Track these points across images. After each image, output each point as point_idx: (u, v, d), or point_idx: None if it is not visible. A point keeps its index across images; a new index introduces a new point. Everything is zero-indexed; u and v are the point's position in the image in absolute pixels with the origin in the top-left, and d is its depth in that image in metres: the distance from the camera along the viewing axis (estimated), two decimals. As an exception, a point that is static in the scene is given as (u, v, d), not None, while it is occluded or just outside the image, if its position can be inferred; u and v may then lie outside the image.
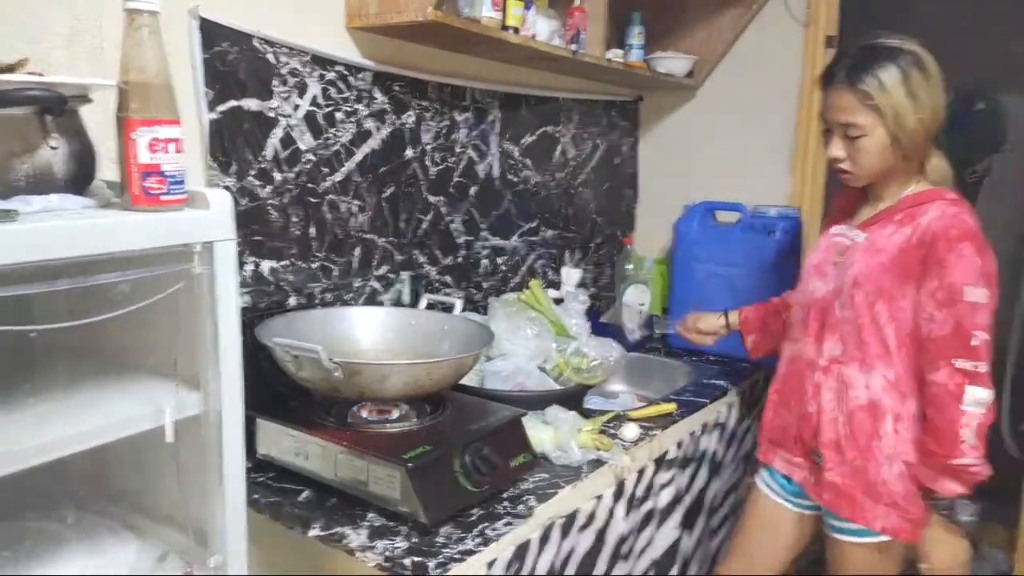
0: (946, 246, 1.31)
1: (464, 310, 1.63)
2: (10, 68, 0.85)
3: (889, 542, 1.39)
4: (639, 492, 1.53)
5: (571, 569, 1.34)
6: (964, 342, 1.29)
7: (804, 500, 1.53)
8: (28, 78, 0.81)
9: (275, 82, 1.44)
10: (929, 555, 1.37)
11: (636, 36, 2.24)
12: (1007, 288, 2.88)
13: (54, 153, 0.83)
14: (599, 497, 1.40)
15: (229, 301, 0.90)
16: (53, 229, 0.75)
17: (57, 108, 0.81)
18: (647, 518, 1.58)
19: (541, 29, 1.80)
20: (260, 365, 1.31)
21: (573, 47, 1.88)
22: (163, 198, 0.85)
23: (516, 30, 1.68)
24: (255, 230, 1.44)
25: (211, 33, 1.32)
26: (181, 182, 0.86)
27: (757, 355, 1.77)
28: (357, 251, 1.66)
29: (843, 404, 1.41)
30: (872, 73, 1.30)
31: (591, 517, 1.38)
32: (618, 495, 1.45)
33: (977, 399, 1.29)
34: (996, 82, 3.04)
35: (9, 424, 0.80)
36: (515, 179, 2.12)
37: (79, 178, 0.86)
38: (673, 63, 2.34)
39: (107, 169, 0.93)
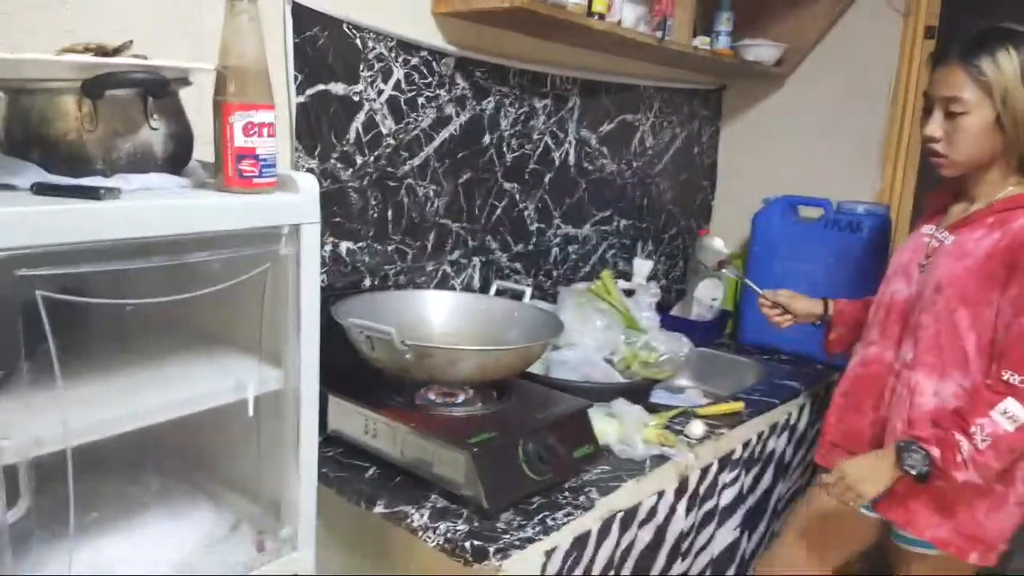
0: None
1: (533, 298, 1.63)
2: (116, 51, 0.88)
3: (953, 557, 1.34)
4: (702, 490, 1.51)
5: (629, 563, 1.34)
6: (1020, 354, 1.24)
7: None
8: (134, 61, 0.84)
9: (361, 67, 1.47)
10: (854, 459, 1.36)
11: (724, 22, 2.18)
12: None
13: (155, 134, 0.86)
14: (661, 493, 1.39)
15: (312, 283, 0.93)
16: (152, 207, 0.79)
17: (160, 91, 0.84)
18: (708, 517, 1.56)
19: (627, 15, 1.77)
20: (333, 343, 1.34)
21: (659, 34, 1.84)
22: (255, 180, 0.87)
23: (602, 16, 1.66)
24: (335, 211, 1.48)
25: (302, 18, 1.35)
26: (273, 165, 0.89)
27: (835, 351, 1.69)
28: (432, 235, 1.68)
29: (905, 409, 1.36)
30: (989, 50, 1.25)
31: (652, 512, 1.37)
32: (680, 492, 1.44)
33: (1012, 412, 1.22)
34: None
35: (102, 393, 0.84)
36: (590, 167, 2.10)
37: (177, 158, 0.90)
38: (762, 51, 2.27)
39: (200, 150, 0.97)
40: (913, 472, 1.26)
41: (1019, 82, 1.24)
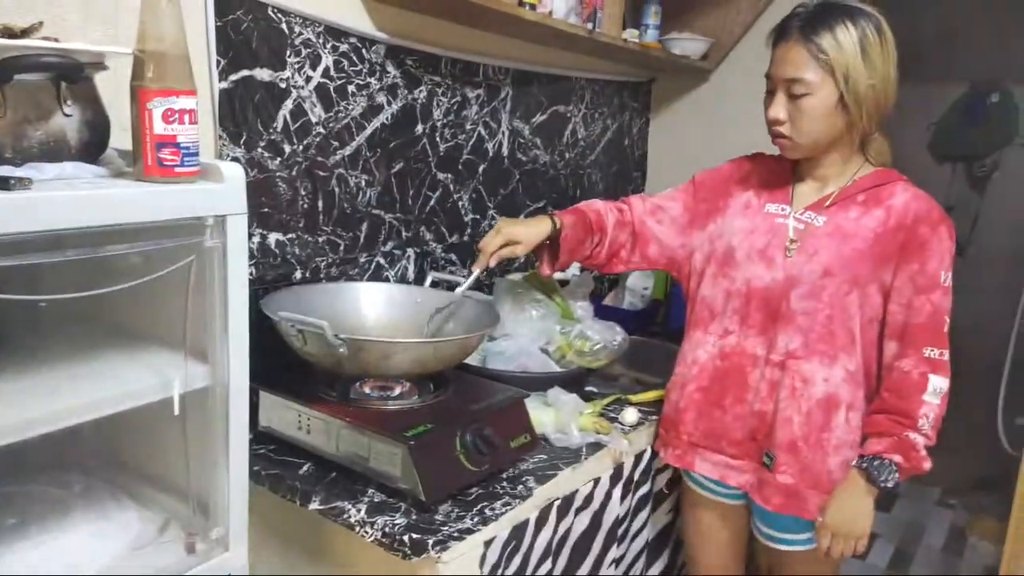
0: (929, 229, 1.27)
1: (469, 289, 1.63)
2: (25, 32, 0.84)
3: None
4: (636, 476, 1.54)
5: (566, 550, 1.35)
6: (937, 330, 1.27)
7: (736, 495, 1.48)
8: (44, 44, 0.80)
9: (288, 52, 1.43)
10: (827, 506, 1.31)
11: (653, 16, 2.22)
12: (1010, 283, 2.91)
13: (68, 121, 0.83)
14: (597, 480, 1.41)
15: (240, 276, 0.91)
16: (66, 198, 0.75)
17: (73, 75, 0.80)
18: (642, 501, 1.59)
19: (558, 6, 1.78)
20: (263, 337, 1.31)
21: (589, 26, 1.86)
22: (177, 170, 0.84)
23: (533, 6, 1.66)
24: (263, 202, 1.43)
25: (225, 1, 1.31)
26: (195, 154, 0.86)
27: (547, 273, 1.54)
28: (364, 226, 1.65)
29: (801, 402, 1.34)
30: (829, 27, 1.23)
31: (588, 499, 1.39)
32: (615, 478, 1.46)
33: (937, 388, 1.27)
34: (1010, 75, 3.02)
35: (19, 393, 0.80)
36: (524, 158, 2.10)
37: (92, 147, 0.86)
38: (689, 44, 2.31)
39: (119, 138, 0.92)
40: (890, 485, 1.27)
41: (859, 59, 1.23)
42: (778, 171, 1.43)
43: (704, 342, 1.45)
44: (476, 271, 1.43)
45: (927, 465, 1.27)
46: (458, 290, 1.44)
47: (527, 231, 1.44)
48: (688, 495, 1.58)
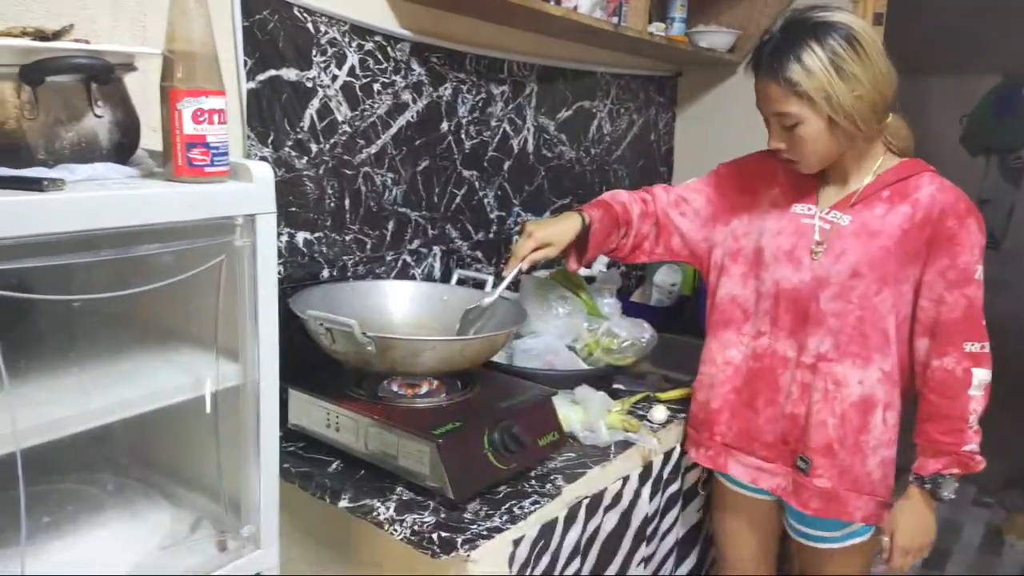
0: (957, 222, 1.25)
1: (494, 286, 1.62)
2: (56, 35, 0.84)
3: (863, 543, 1.38)
4: (665, 474, 1.52)
5: (595, 549, 1.34)
6: (975, 323, 1.26)
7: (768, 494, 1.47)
8: (75, 45, 0.80)
9: (314, 51, 1.43)
10: (895, 526, 1.31)
11: (679, 9, 2.19)
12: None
13: (99, 122, 0.83)
14: (626, 478, 1.39)
15: (269, 274, 0.91)
16: (99, 199, 0.75)
17: (104, 76, 0.81)
18: (672, 500, 1.58)
19: (583, 1, 1.76)
20: (292, 336, 1.32)
21: (615, 20, 1.84)
22: (207, 169, 0.85)
23: (558, 1, 1.65)
24: (291, 201, 1.44)
25: (251, 0, 1.31)
26: (225, 154, 0.86)
27: (574, 268, 1.52)
28: (390, 224, 1.66)
29: (835, 405, 1.32)
30: (794, 57, 1.20)
31: (617, 498, 1.38)
32: (644, 477, 1.45)
33: (982, 382, 1.26)
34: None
35: (53, 392, 0.81)
36: (549, 154, 2.09)
37: (123, 147, 0.87)
38: (715, 37, 2.29)
39: (148, 138, 0.93)
40: (953, 497, 1.28)
41: (835, 78, 1.19)
42: (797, 173, 1.40)
43: (737, 342, 1.44)
44: (508, 276, 1.41)
45: (983, 466, 1.27)
46: (487, 300, 1.42)
47: (559, 231, 1.42)
48: (719, 495, 1.57)
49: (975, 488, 3.12)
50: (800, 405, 1.35)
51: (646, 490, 1.46)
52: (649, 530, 1.50)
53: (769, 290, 1.38)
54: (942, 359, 1.27)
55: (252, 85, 1.34)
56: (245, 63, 1.32)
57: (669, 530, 1.59)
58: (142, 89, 0.91)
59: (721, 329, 1.47)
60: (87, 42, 0.83)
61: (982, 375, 1.26)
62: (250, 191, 0.87)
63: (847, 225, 1.31)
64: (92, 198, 0.74)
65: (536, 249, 1.40)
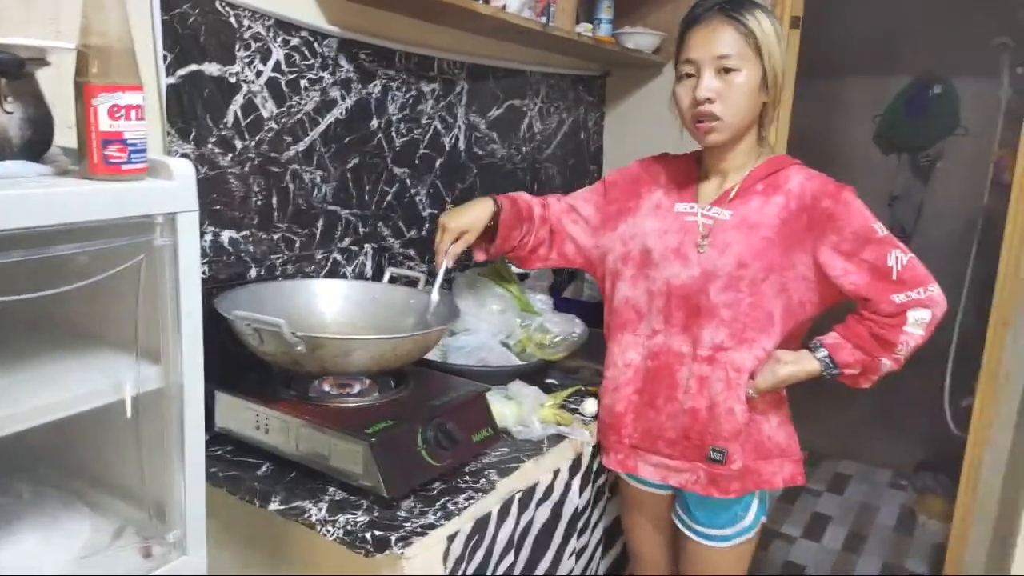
0: (831, 201, 1.31)
1: (427, 284, 1.62)
2: (-40, 26, 0.81)
3: (748, 540, 1.45)
4: (595, 466, 1.55)
5: (528, 542, 1.36)
6: (890, 277, 1.28)
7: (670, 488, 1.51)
8: (-19, 38, 0.77)
9: (238, 46, 1.40)
10: (760, 378, 1.35)
11: (605, 10, 2.23)
12: (955, 270, 3.01)
13: (9, 118, 0.80)
14: (557, 471, 1.42)
15: (191, 274, 0.89)
16: (9, 198, 0.72)
17: (13, 71, 0.78)
18: (600, 492, 1.61)
19: (512, 1, 1.77)
20: (218, 337, 1.29)
21: (543, 19, 1.86)
22: (124, 167, 0.82)
23: (487, 0, 1.66)
24: (215, 199, 1.41)
25: (171, -7, 1.28)
26: (143, 151, 0.84)
27: (481, 259, 1.57)
28: (320, 222, 1.64)
29: (739, 391, 1.36)
30: (749, 10, 1.29)
31: (549, 491, 1.40)
32: (575, 469, 1.48)
33: (920, 320, 1.28)
34: (952, 66, 3.11)
35: (-38, 398, 0.78)
36: (481, 152, 2.10)
37: (36, 144, 0.83)
38: (641, 39, 2.33)
39: (65, 136, 0.90)
40: (827, 378, 1.35)
41: (775, 41, 1.29)
42: (684, 170, 1.47)
43: (634, 343, 1.46)
44: (440, 272, 1.45)
45: (868, 387, 1.35)
46: (432, 297, 1.45)
47: (472, 217, 1.47)
48: (627, 495, 1.60)
49: (891, 472, 3.28)
50: (699, 399, 1.38)
51: (576, 483, 1.48)
52: (580, 523, 1.53)
53: (660, 288, 1.40)
54: (873, 311, 1.31)
55: (172, 80, 1.31)
56: (165, 58, 1.29)
57: (598, 522, 1.62)
58: (56, 85, 0.88)
59: (619, 332, 1.49)
60: (-7, 35, 0.80)
61: (919, 314, 1.28)
62: (170, 189, 0.85)
63: (728, 219, 1.36)
64: (2, 197, 0.72)
65: (455, 241, 1.45)
